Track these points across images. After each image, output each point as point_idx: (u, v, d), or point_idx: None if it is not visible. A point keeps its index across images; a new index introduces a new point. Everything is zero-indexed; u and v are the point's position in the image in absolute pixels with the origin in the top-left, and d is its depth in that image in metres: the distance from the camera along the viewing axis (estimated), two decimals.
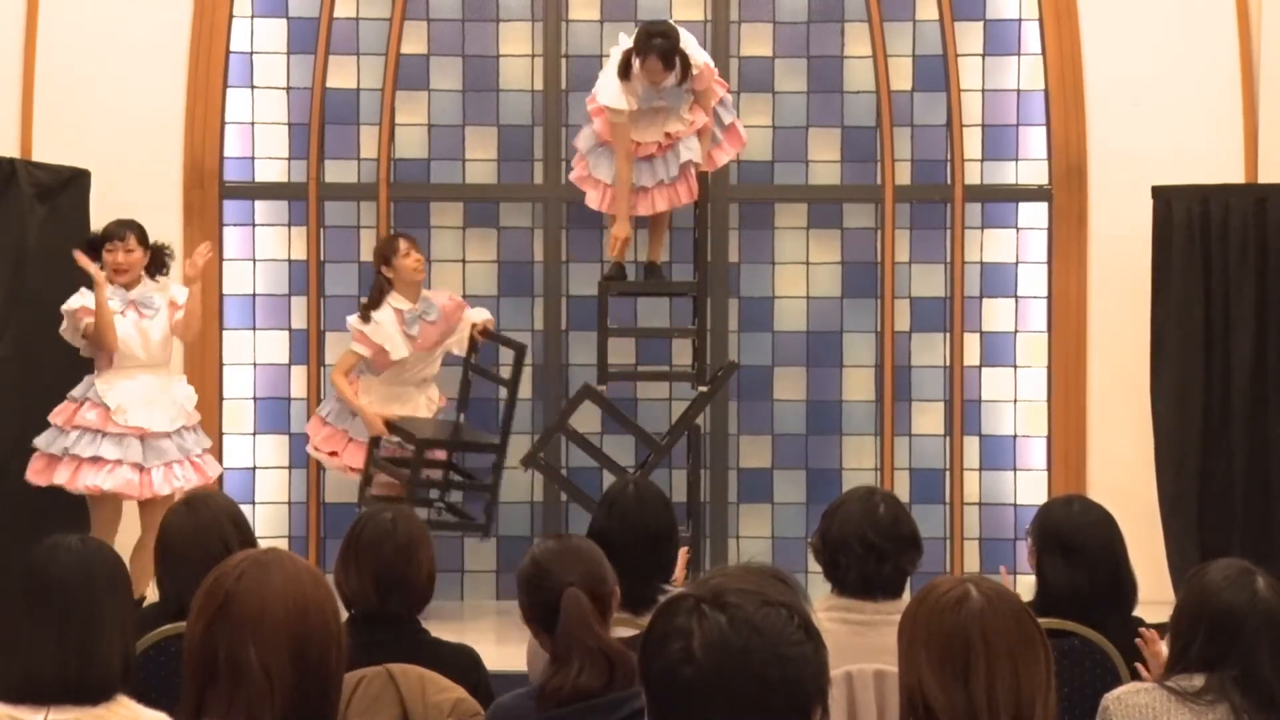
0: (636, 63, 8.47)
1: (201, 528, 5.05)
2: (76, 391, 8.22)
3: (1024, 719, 3.04)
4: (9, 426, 8.42)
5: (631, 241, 9.04)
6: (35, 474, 8.17)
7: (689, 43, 8.63)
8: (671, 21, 8.84)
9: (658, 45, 8.45)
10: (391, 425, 8.66)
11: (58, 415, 8.19)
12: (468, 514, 9.10)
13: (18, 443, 8.30)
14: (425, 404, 9.01)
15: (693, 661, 2.54)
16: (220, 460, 9.39)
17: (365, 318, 8.71)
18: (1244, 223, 8.83)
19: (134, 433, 8.13)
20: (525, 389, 9.54)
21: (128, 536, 8.05)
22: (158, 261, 8.43)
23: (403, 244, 8.82)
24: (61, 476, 8.10)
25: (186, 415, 8.37)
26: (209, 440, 8.57)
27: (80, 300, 8.17)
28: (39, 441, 8.19)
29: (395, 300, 8.72)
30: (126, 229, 8.33)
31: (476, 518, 8.97)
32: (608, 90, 8.61)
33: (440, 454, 8.99)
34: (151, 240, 8.42)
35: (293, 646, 3.07)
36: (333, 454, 8.91)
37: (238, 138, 9.75)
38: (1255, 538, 8.36)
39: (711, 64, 8.82)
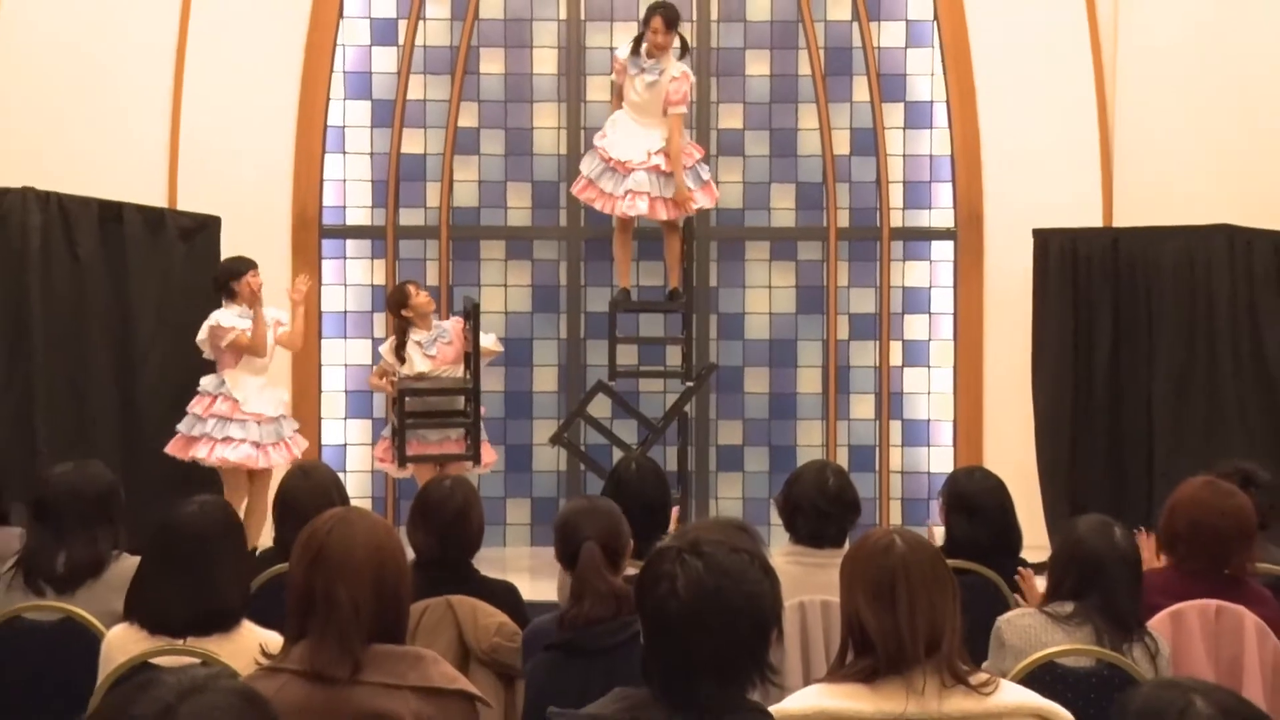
0: (645, 31, 8.45)
1: (313, 488, 5.04)
2: (209, 386, 8.12)
3: (937, 638, 3.03)
4: (157, 415, 8.39)
5: (635, 266, 9.03)
6: (175, 449, 8.09)
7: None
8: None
9: (660, 10, 8.43)
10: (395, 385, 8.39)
11: (195, 405, 8.11)
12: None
13: (162, 428, 8.24)
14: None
15: (677, 598, 2.53)
16: (319, 438, 9.43)
17: (401, 359, 8.40)
18: (1102, 256, 8.83)
19: (254, 418, 8.08)
20: (547, 381, 9.64)
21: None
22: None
23: (411, 288, 8.53)
24: (200, 452, 8.02)
25: (284, 405, 8.29)
26: (297, 423, 8.43)
27: (228, 319, 8.05)
28: (181, 426, 8.11)
29: (414, 334, 8.43)
30: (250, 265, 8.20)
31: (467, 450, 8.46)
32: (621, 48, 8.66)
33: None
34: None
35: (373, 583, 3.05)
36: (383, 460, 8.67)
37: (333, 191, 9.72)
38: (1112, 498, 8.34)
39: (693, 78, 8.71)
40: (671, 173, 8.51)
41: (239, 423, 8.05)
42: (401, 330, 8.47)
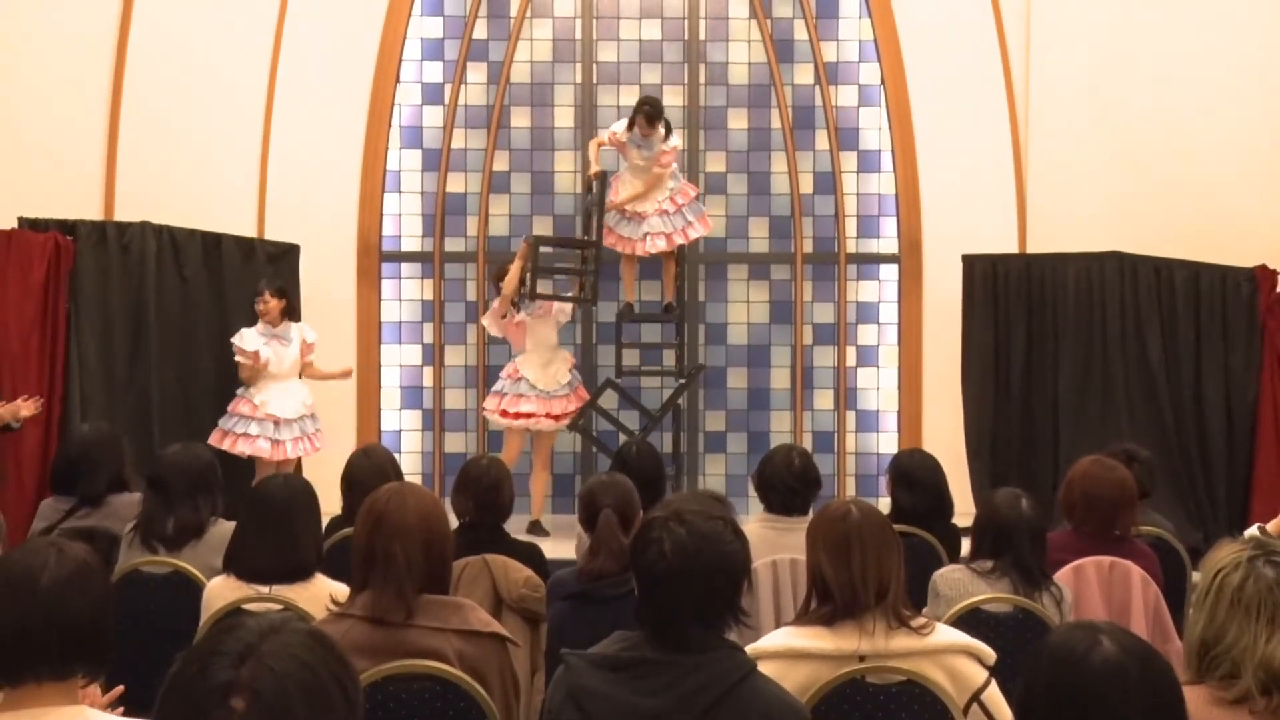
0: (636, 120, 8.32)
1: (373, 466, 5.03)
2: (240, 390, 8.02)
3: (885, 589, 3.03)
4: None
5: (638, 285, 9.01)
6: (214, 441, 7.77)
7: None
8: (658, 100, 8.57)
9: (645, 109, 8.32)
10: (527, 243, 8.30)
11: (231, 405, 8.00)
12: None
13: None
14: (562, 362, 8.49)
15: (665, 559, 2.52)
16: (379, 424, 9.42)
17: (518, 309, 8.29)
18: (1018, 277, 8.81)
19: (270, 419, 7.89)
20: None
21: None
22: (291, 308, 8.17)
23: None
24: (226, 444, 7.77)
25: (306, 408, 8.06)
26: (320, 423, 8.18)
27: (249, 341, 7.96)
28: (220, 422, 7.97)
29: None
30: (265, 287, 8.05)
31: (586, 294, 8.44)
32: (617, 125, 8.48)
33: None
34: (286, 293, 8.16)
35: (423, 544, 3.06)
36: (503, 414, 8.34)
37: (391, 223, 9.70)
38: (1025, 474, 8.34)
39: (678, 148, 8.56)
40: (674, 211, 8.50)
41: (258, 421, 7.86)
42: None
